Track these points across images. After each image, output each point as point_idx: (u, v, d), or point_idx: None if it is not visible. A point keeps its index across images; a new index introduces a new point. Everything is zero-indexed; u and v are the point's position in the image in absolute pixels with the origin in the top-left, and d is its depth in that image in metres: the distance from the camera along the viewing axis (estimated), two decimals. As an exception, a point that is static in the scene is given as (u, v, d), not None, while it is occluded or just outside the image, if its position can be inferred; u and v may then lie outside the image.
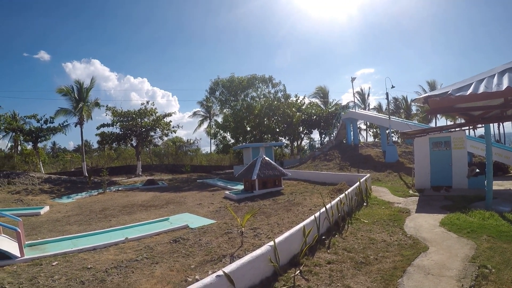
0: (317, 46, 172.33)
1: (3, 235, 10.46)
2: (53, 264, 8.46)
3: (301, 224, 7.97)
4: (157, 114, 42.36)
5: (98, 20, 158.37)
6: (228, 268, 5.40)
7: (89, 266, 8.09)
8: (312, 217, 8.63)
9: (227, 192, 20.31)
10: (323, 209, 9.35)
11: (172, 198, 20.40)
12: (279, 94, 45.54)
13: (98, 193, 25.64)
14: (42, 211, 17.93)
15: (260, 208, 14.61)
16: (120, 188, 28.18)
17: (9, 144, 55.19)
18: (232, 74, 45.04)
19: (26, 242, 10.56)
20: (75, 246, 10.30)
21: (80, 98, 40.50)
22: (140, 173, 41.37)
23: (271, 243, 6.58)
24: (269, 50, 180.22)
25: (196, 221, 13.28)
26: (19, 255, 9.02)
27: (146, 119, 41.68)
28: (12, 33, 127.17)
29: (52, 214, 17.70)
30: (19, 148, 52.03)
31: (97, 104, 43.23)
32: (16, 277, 7.65)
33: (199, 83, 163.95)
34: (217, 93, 45.80)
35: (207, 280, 4.97)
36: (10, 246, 9.42)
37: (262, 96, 45.67)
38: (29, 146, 45.41)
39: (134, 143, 43.07)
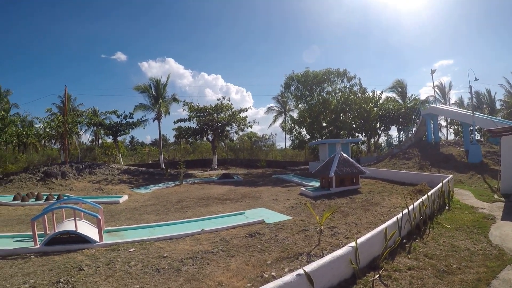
0: (390, 37, 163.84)
1: (84, 220, 11.10)
2: (130, 250, 8.78)
3: (383, 226, 7.62)
4: (233, 110, 43.22)
5: (170, 20, 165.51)
6: (308, 267, 5.27)
7: (165, 255, 8.28)
8: (394, 219, 8.22)
9: (303, 188, 20.03)
10: (405, 211, 8.88)
11: (247, 193, 20.54)
12: (355, 88, 43.92)
13: (174, 185, 26.66)
14: (121, 200, 19.03)
15: (338, 206, 14.16)
16: (196, 181, 29.12)
17: (91, 138, 59.89)
18: (306, 68, 44.34)
19: (105, 228, 11.10)
20: (152, 234, 10.67)
21: (157, 95, 42.67)
22: (216, 167, 42.44)
23: (353, 243, 6.35)
24: (342, 43, 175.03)
25: (272, 216, 13.22)
26: (98, 240, 9.50)
27: (222, 114, 42.69)
28: (90, 37, 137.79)
29: (130, 203, 18.72)
30: (100, 141, 56.20)
31: (175, 100, 45.24)
32: (94, 260, 8.03)
33: (273, 78, 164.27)
34: (292, 88, 45.07)
35: (287, 278, 4.89)
36: (90, 231, 9.96)
37: (337, 91, 44.53)
38: (109, 140, 48.99)
39: (210, 137, 44.44)
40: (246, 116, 43.71)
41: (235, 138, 52.21)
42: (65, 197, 18.62)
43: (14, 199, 19.11)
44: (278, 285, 4.68)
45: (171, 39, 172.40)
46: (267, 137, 58.26)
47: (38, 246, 9.07)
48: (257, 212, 14.41)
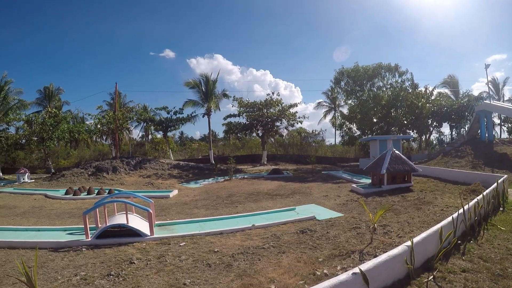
0: (440, 31, 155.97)
1: (135, 214, 11.35)
2: (181, 244, 8.89)
3: (439, 225, 7.41)
4: (282, 105, 43.25)
5: (217, 16, 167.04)
6: (364, 266, 5.20)
7: (215, 250, 8.31)
8: (449, 219, 7.96)
9: (353, 185, 19.73)
10: (461, 211, 8.54)
11: (297, 188, 20.41)
12: (406, 84, 42.67)
13: (224, 180, 26.99)
14: (171, 194, 19.47)
15: (390, 204, 13.74)
16: (245, 176, 29.34)
17: (141, 133, 61.85)
18: (355, 63, 43.58)
19: (156, 222, 11.34)
20: (202, 229, 10.77)
21: (207, 90, 43.54)
22: (265, 162, 42.73)
23: (408, 243, 6.21)
24: (392, 37, 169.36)
25: (323, 213, 13.05)
26: (149, 234, 9.68)
27: (271, 110, 42.90)
28: (138, 36, 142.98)
29: (181, 197, 19.10)
30: (150, 136, 58.01)
31: (225, 95, 46.00)
32: (145, 254, 8.18)
33: (322, 73, 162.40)
34: (342, 83, 44.44)
35: (343, 277, 4.84)
36: (141, 225, 10.17)
37: (388, 86, 43.46)
38: (159, 135, 50.47)
39: (259, 133, 44.80)
40: (296, 112, 43.64)
41: (284, 134, 52.31)
42: (116, 191, 19.28)
43: (66, 193, 20.05)
44: (333, 284, 4.61)
45: (219, 35, 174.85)
46: (316, 132, 57.71)
47: (89, 239, 9.37)
48: (308, 208, 14.28)
